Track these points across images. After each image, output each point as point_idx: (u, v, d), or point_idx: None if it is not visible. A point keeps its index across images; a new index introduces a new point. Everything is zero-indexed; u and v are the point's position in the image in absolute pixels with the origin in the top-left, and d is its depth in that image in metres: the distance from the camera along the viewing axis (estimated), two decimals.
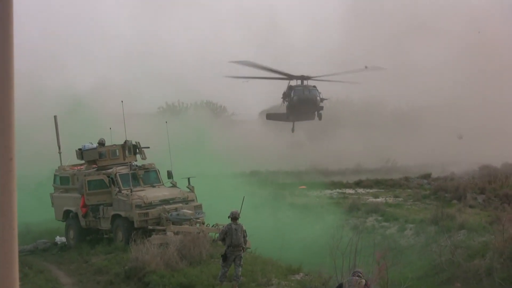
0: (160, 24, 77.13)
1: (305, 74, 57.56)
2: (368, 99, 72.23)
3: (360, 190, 50.25)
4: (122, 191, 31.75)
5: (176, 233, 28.39)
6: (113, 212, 31.98)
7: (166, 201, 31.37)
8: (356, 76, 58.90)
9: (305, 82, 57.73)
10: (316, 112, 57.39)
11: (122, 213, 31.43)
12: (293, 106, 55.48)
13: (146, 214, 30.65)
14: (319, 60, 67.09)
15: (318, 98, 55.70)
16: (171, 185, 33.13)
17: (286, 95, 56.96)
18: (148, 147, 34.66)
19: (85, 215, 33.19)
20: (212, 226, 29.49)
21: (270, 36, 73.36)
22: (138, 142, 34.37)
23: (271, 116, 57.46)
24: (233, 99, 76.53)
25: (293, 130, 57.51)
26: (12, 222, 4.48)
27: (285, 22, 75.17)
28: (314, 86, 56.68)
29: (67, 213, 34.49)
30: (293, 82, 60.04)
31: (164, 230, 29.23)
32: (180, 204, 31.34)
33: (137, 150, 34.29)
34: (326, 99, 56.97)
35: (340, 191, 50.57)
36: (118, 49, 74.42)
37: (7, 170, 4.48)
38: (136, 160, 34.25)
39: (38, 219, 38.58)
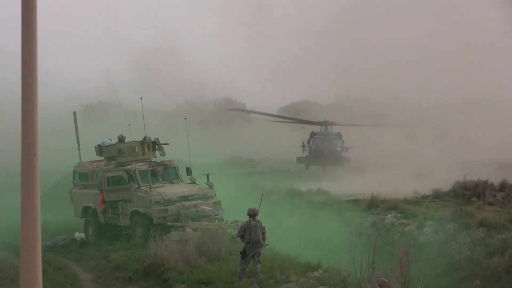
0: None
1: (329, 119, 54.48)
2: (386, 98, 71.85)
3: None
4: (141, 188, 31.81)
5: (195, 230, 28.42)
6: (132, 209, 32.07)
7: (185, 198, 31.40)
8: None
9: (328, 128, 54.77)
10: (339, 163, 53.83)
11: (141, 210, 31.50)
12: (312, 157, 53.48)
13: (165, 211, 30.70)
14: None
15: (338, 149, 52.76)
16: (190, 181, 33.17)
17: (308, 142, 54.73)
18: (167, 144, 34.70)
19: (104, 212, 33.33)
20: (231, 223, 29.44)
21: None
22: (157, 139, 34.43)
23: (300, 160, 55.68)
24: (253, 96, 76.52)
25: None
26: (35, 221, 4.48)
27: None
28: (338, 134, 53.95)
29: (86, 210, 34.64)
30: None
31: (183, 227, 29.26)
32: (199, 201, 31.36)
33: (156, 147, 34.35)
34: (350, 148, 54.33)
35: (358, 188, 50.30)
36: (137, 46, 74.71)
37: (31, 165, 4.48)
38: (155, 157, 34.32)
39: (56, 215, 38.77)
